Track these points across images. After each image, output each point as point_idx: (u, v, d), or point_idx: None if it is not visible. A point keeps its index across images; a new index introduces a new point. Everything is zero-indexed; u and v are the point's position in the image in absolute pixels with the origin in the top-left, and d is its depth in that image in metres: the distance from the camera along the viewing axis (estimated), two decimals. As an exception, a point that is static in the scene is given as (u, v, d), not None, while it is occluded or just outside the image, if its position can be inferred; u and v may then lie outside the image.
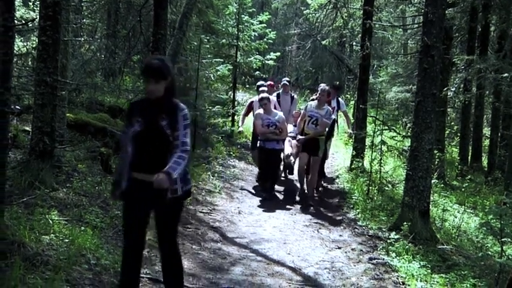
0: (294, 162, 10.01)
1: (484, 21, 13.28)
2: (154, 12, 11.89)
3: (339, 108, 11.13)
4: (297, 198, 9.52)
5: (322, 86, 9.50)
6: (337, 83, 12.83)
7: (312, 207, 9.02)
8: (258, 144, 9.85)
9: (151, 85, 3.86)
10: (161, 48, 11.28)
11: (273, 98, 10.76)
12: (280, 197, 9.85)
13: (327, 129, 9.47)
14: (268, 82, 11.89)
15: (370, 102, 14.66)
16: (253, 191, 9.86)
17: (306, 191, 9.43)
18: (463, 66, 13.48)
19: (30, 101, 9.02)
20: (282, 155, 9.96)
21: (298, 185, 10.05)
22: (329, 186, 10.98)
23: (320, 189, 10.51)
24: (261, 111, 9.65)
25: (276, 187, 9.99)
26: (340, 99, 11.43)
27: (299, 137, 9.41)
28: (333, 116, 10.11)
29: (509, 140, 12.20)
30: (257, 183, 10.40)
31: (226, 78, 14.83)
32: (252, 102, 11.02)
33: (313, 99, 10.70)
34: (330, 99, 10.22)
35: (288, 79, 12.03)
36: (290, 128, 10.18)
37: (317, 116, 9.15)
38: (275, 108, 10.16)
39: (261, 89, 11.00)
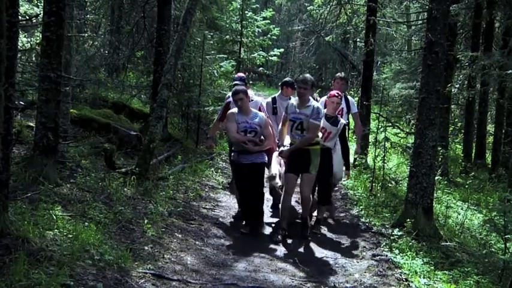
0: (282, 187, 7.16)
1: (489, 17, 13.23)
2: (158, 8, 11.92)
3: (349, 111, 8.18)
4: (279, 237, 6.80)
5: (307, 76, 6.90)
6: (343, 73, 8.98)
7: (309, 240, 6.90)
8: (231, 157, 7.03)
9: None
10: (165, 44, 11.30)
11: (263, 100, 8.24)
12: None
13: (319, 134, 6.85)
14: (239, 74, 8.47)
15: (373, 98, 14.63)
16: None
17: (305, 221, 7.04)
18: (467, 63, 13.44)
19: (34, 97, 9.04)
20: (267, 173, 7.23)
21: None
22: (343, 219, 8.15)
23: (329, 220, 7.96)
24: (235, 110, 6.84)
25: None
26: (349, 97, 8.44)
27: (281, 148, 6.86)
28: (343, 120, 7.44)
29: (513, 137, 12.17)
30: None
31: (229, 74, 14.81)
32: (230, 102, 7.56)
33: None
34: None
35: (290, 79, 8.61)
36: (287, 141, 7.00)
37: (301, 118, 6.61)
38: (259, 110, 7.26)
39: (234, 82, 7.92)
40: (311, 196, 7.04)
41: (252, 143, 6.68)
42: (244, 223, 7.06)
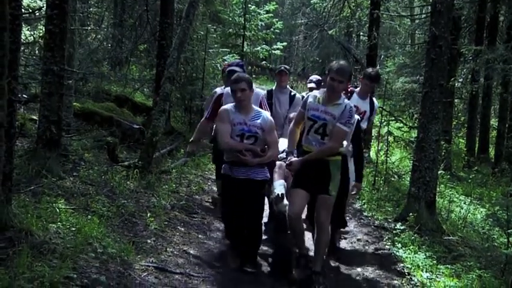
0: None
1: (493, 11, 13.19)
2: (160, 1, 11.89)
3: (371, 115, 6.78)
4: (294, 273, 5.25)
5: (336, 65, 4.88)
6: (372, 70, 6.93)
7: None
8: (222, 170, 5.21)
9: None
10: (168, 37, 11.29)
11: (259, 91, 6.23)
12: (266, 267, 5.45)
13: (344, 144, 5.18)
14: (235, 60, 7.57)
15: (377, 92, 14.60)
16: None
17: (309, 259, 5.32)
18: (471, 57, 13.40)
19: (37, 90, 9.05)
20: (267, 195, 5.72)
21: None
22: (346, 212, 6.79)
23: (339, 241, 6.45)
24: (229, 107, 5.04)
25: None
26: (375, 100, 6.90)
27: (290, 158, 5.05)
28: (364, 125, 6.44)
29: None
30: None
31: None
32: (221, 95, 6.18)
33: (311, 88, 7.37)
34: (348, 93, 6.38)
35: (286, 66, 7.51)
36: (284, 144, 5.65)
37: (325, 119, 4.86)
38: (260, 107, 5.64)
39: (231, 68, 6.42)
40: (329, 234, 5.12)
41: (251, 153, 4.88)
42: (232, 251, 5.39)
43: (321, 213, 4.90)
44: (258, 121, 4.94)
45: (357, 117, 5.60)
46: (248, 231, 5.11)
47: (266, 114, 5.07)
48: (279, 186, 5.46)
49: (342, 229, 6.38)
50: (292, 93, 7.32)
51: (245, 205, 4.98)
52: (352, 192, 5.96)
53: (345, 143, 5.13)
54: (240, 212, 5.01)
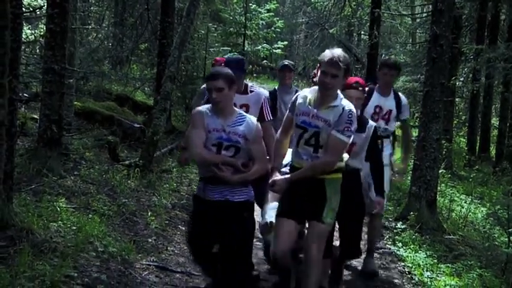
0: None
1: (494, 10, 13.18)
2: (161, 0, 11.90)
3: (400, 113, 5.64)
4: None
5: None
6: (391, 57, 6.51)
7: None
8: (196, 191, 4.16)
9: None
10: (168, 36, 11.29)
11: (261, 91, 4.95)
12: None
13: (345, 157, 4.09)
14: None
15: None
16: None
17: None
18: (472, 56, 13.38)
19: (38, 89, 9.05)
20: (255, 223, 4.21)
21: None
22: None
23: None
24: (204, 109, 3.96)
25: None
26: (401, 95, 5.81)
27: (275, 176, 4.00)
28: (391, 127, 5.55)
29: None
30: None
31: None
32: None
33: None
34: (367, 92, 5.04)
35: (290, 62, 6.68)
36: (288, 156, 4.30)
37: (317, 126, 3.86)
38: (242, 108, 4.42)
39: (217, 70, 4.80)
40: (320, 272, 4.06)
41: (229, 168, 3.79)
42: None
43: (311, 245, 3.87)
44: (241, 127, 3.80)
45: (372, 124, 4.59)
46: (228, 271, 3.89)
47: (251, 119, 3.90)
48: (270, 211, 4.31)
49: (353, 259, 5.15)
50: (297, 91, 5.50)
51: (223, 236, 3.83)
52: (374, 211, 4.83)
53: (345, 155, 4.05)
54: (213, 245, 3.94)
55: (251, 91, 4.83)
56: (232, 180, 3.78)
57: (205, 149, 3.79)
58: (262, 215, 4.53)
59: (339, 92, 3.85)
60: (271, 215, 4.29)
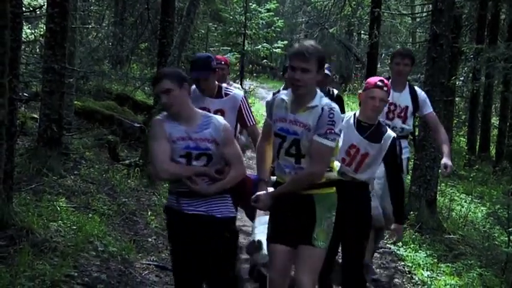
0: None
1: (494, 9, 13.18)
2: (161, -1, 11.90)
3: (417, 110, 5.04)
4: None
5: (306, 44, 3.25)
6: (404, 48, 6.08)
7: None
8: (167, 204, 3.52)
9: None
10: (168, 36, 11.28)
11: (237, 93, 4.35)
12: None
13: (337, 165, 3.52)
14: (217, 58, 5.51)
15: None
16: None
17: None
18: (472, 55, 13.38)
19: (38, 88, 9.05)
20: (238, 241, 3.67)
21: None
22: None
23: None
24: (162, 116, 3.35)
25: None
26: (418, 89, 5.16)
27: (260, 190, 3.43)
28: (391, 133, 3.89)
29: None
30: None
31: (233, 66, 14.79)
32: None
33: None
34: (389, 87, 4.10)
35: None
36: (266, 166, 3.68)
37: (295, 132, 3.29)
38: (241, 115, 4.24)
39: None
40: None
41: (204, 179, 3.28)
42: None
43: (300, 273, 3.32)
44: (208, 131, 3.28)
45: (391, 134, 3.81)
46: None
47: (217, 118, 3.38)
48: (261, 226, 3.83)
49: None
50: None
51: (201, 256, 3.32)
52: (393, 239, 4.31)
53: (337, 163, 3.48)
54: (192, 266, 3.35)
55: (226, 94, 4.23)
56: (209, 191, 3.28)
57: (173, 163, 3.23)
58: (252, 229, 4.13)
59: (318, 90, 3.28)
60: (261, 231, 3.82)
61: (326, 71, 4.97)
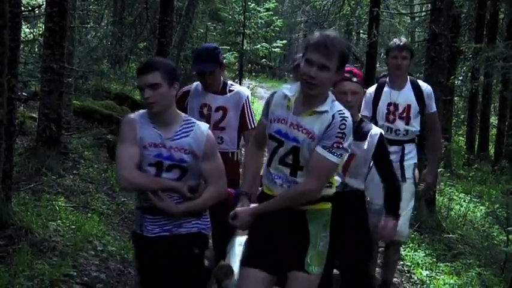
0: None
1: (493, 9, 13.20)
2: (160, -1, 11.90)
3: (423, 108, 4.42)
4: None
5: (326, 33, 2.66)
6: (402, 39, 4.60)
7: None
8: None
9: None
10: (167, 35, 11.28)
11: (243, 90, 3.98)
12: None
13: (337, 180, 3.13)
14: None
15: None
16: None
17: None
18: (471, 55, 13.39)
19: (37, 88, 9.04)
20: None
21: None
22: None
23: None
24: (137, 116, 2.87)
25: None
26: (422, 83, 4.56)
27: (239, 206, 2.86)
28: (414, 126, 4.34)
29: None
30: None
31: (232, 65, 14.78)
32: (187, 93, 3.91)
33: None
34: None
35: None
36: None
37: (296, 139, 2.69)
38: (219, 112, 3.83)
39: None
40: None
41: (173, 195, 2.82)
42: None
43: None
44: (186, 140, 2.80)
45: (377, 130, 3.41)
46: None
47: (201, 126, 2.86)
48: (235, 248, 3.29)
49: None
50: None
51: (170, 282, 2.86)
52: (382, 238, 3.71)
53: (337, 178, 3.07)
54: None
55: (230, 90, 3.86)
56: (176, 211, 2.78)
57: (138, 172, 2.76)
58: (227, 251, 3.42)
59: (330, 93, 2.73)
60: (232, 255, 3.26)
61: None
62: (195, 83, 3.93)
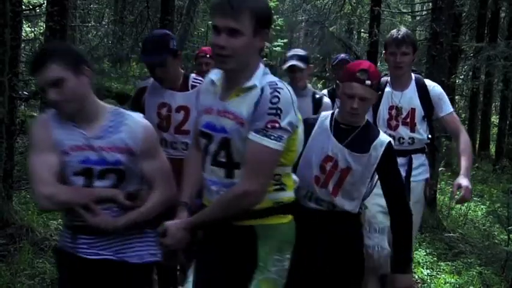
0: None
1: (494, 8, 13.17)
2: (161, -2, 11.90)
3: (431, 111, 3.73)
4: None
5: None
6: (401, 28, 3.82)
7: None
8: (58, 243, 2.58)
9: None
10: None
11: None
12: None
13: (294, 180, 2.27)
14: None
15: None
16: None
17: None
18: (472, 54, 13.39)
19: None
20: None
21: None
22: None
23: None
24: (48, 116, 2.29)
25: None
26: (429, 82, 3.80)
27: (171, 222, 2.16)
28: (421, 134, 3.75)
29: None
30: None
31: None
32: (143, 89, 3.38)
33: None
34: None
35: (302, 52, 4.19)
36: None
37: (224, 129, 2.11)
38: (180, 112, 3.24)
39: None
40: None
41: (111, 207, 2.27)
42: None
43: None
44: (118, 136, 2.25)
45: (385, 139, 2.66)
46: None
47: (135, 118, 2.31)
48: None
49: None
50: (317, 96, 4.11)
51: None
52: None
53: (294, 178, 2.28)
54: None
55: (193, 86, 3.25)
56: (116, 226, 2.22)
57: (61, 186, 2.20)
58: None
59: (261, 64, 2.16)
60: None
61: (295, 62, 3.97)
62: (151, 79, 3.33)
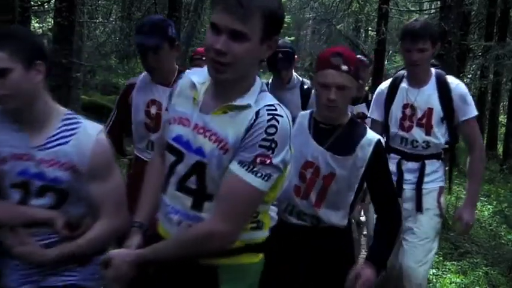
0: None
1: (504, 6, 13.10)
2: (169, -6, 11.91)
3: (451, 114, 3.21)
4: None
5: None
6: (419, 19, 3.40)
7: None
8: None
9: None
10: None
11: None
12: None
13: (272, 216, 1.94)
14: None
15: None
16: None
17: None
18: (480, 53, 13.33)
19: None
20: None
21: None
22: None
23: None
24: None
25: None
26: (452, 79, 3.27)
27: (116, 251, 1.78)
28: (438, 138, 3.22)
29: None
30: None
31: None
32: (131, 86, 3.03)
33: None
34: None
35: (289, 44, 3.99)
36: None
37: (200, 149, 1.71)
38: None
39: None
40: None
41: (45, 233, 1.91)
42: None
43: None
44: (63, 148, 1.90)
45: (373, 137, 2.29)
46: None
47: (87, 128, 1.97)
48: None
49: None
50: (305, 87, 3.85)
51: None
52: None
53: (272, 211, 2.01)
54: None
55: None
56: (45, 259, 1.87)
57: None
58: None
59: (258, 79, 1.80)
60: None
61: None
62: (143, 74, 3.01)
